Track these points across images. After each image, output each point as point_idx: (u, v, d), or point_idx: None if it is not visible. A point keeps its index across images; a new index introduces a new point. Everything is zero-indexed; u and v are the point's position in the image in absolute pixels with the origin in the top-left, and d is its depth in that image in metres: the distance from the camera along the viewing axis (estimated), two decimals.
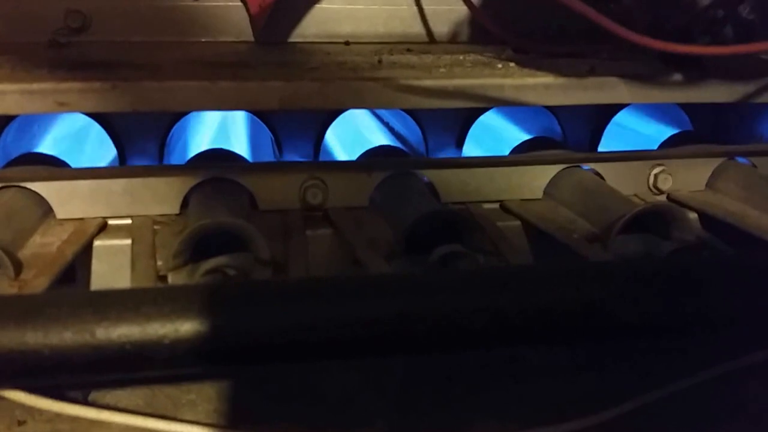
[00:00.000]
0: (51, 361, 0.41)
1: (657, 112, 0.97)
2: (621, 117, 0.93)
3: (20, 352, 0.41)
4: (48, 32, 0.81)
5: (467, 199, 0.73)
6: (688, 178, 0.78)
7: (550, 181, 0.74)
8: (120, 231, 0.65)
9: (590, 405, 0.55)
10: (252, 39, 0.88)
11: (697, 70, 0.79)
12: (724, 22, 0.78)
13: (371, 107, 0.84)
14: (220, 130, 0.89)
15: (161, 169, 0.78)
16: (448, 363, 0.59)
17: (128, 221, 0.66)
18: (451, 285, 0.46)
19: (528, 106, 0.80)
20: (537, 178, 0.74)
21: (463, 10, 0.90)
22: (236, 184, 0.68)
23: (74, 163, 0.78)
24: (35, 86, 0.65)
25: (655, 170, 0.77)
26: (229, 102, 0.70)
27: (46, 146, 0.82)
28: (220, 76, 0.70)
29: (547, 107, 0.89)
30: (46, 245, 0.62)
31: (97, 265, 0.64)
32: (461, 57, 0.82)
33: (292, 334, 0.43)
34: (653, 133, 0.95)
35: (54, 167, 0.75)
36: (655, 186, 0.77)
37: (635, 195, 0.77)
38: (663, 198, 0.77)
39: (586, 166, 0.76)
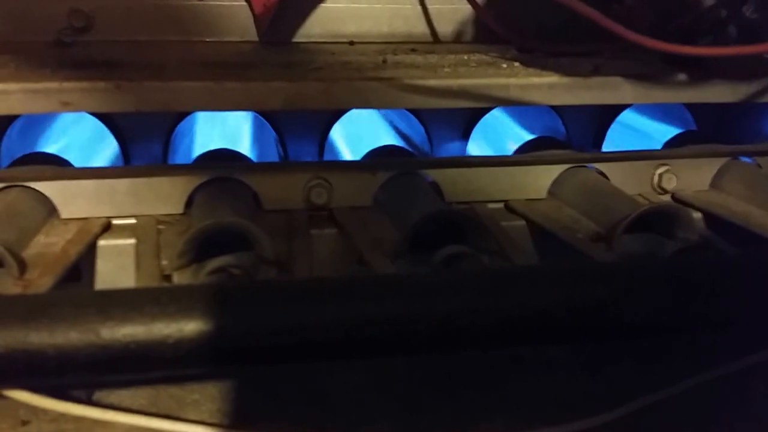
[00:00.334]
0: (56, 360, 0.41)
1: (661, 111, 0.96)
2: (625, 116, 0.93)
3: (25, 351, 0.41)
4: (52, 32, 0.81)
5: (471, 198, 0.73)
6: (693, 178, 0.78)
7: (554, 181, 0.74)
8: (124, 231, 0.65)
9: (595, 405, 0.55)
10: (256, 39, 0.88)
11: (700, 71, 0.79)
12: (728, 22, 0.78)
13: (376, 107, 0.84)
14: (224, 129, 0.89)
15: (165, 168, 0.78)
16: (452, 363, 0.59)
17: (132, 221, 0.66)
18: (455, 285, 0.46)
19: (532, 106, 0.80)
20: (541, 178, 0.74)
21: (467, 9, 0.90)
22: (241, 183, 0.68)
23: (78, 163, 0.78)
24: (39, 86, 0.65)
25: (660, 170, 0.77)
26: (233, 102, 0.70)
27: (50, 146, 0.82)
28: (225, 76, 0.70)
29: (552, 107, 0.89)
30: (50, 245, 0.62)
31: (101, 265, 0.64)
32: (466, 57, 0.82)
33: (297, 334, 0.43)
34: (657, 132, 0.95)
35: (58, 167, 0.75)
36: (659, 186, 0.77)
37: (640, 195, 0.76)
38: (667, 198, 0.77)
39: (590, 166, 0.76)
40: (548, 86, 0.75)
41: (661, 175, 0.77)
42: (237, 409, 0.54)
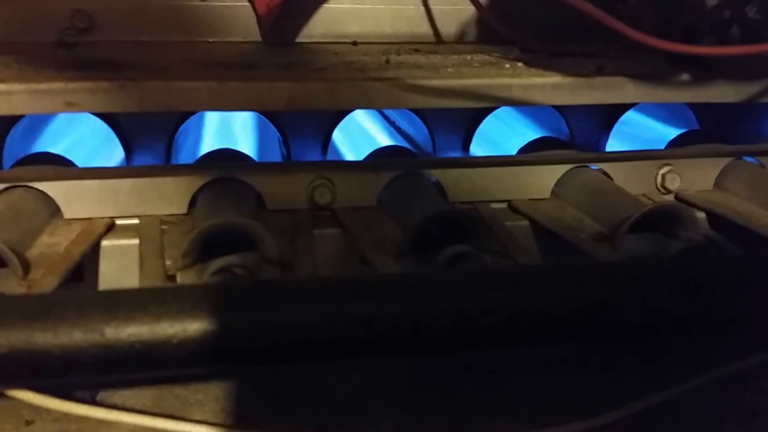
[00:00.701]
0: (60, 360, 0.41)
1: (664, 111, 0.96)
2: (628, 116, 0.93)
3: (29, 351, 0.41)
4: (55, 32, 0.81)
5: (475, 198, 0.73)
6: (696, 178, 0.78)
7: (557, 181, 0.74)
8: (128, 231, 0.65)
9: (597, 405, 0.55)
10: (259, 39, 0.88)
11: (703, 70, 0.79)
12: (731, 22, 0.78)
13: (379, 107, 0.84)
14: (227, 129, 0.89)
15: (169, 168, 0.78)
16: (454, 362, 0.59)
17: (136, 221, 0.66)
18: (458, 285, 0.46)
19: (535, 106, 0.80)
20: (545, 178, 0.74)
21: (470, 10, 0.90)
22: (244, 183, 0.68)
23: (81, 163, 0.78)
24: (43, 86, 0.65)
25: (663, 170, 0.77)
26: (236, 103, 0.70)
27: (53, 146, 0.82)
28: (228, 76, 0.70)
29: (555, 107, 0.89)
30: (53, 245, 0.62)
31: (104, 265, 0.64)
32: (469, 57, 0.82)
33: (300, 334, 0.43)
34: (661, 132, 0.95)
35: (61, 167, 0.75)
36: (662, 185, 0.77)
37: (643, 195, 0.76)
38: (671, 198, 0.77)
39: (594, 166, 0.76)
40: (551, 86, 0.75)
41: (664, 175, 0.77)
42: (240, 409, 0.54)
